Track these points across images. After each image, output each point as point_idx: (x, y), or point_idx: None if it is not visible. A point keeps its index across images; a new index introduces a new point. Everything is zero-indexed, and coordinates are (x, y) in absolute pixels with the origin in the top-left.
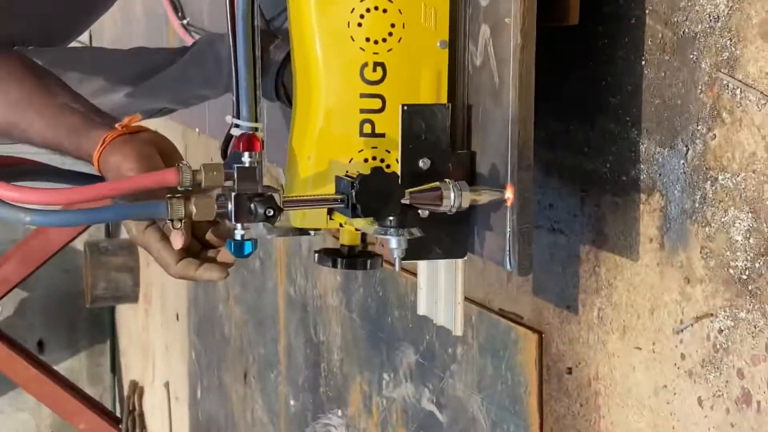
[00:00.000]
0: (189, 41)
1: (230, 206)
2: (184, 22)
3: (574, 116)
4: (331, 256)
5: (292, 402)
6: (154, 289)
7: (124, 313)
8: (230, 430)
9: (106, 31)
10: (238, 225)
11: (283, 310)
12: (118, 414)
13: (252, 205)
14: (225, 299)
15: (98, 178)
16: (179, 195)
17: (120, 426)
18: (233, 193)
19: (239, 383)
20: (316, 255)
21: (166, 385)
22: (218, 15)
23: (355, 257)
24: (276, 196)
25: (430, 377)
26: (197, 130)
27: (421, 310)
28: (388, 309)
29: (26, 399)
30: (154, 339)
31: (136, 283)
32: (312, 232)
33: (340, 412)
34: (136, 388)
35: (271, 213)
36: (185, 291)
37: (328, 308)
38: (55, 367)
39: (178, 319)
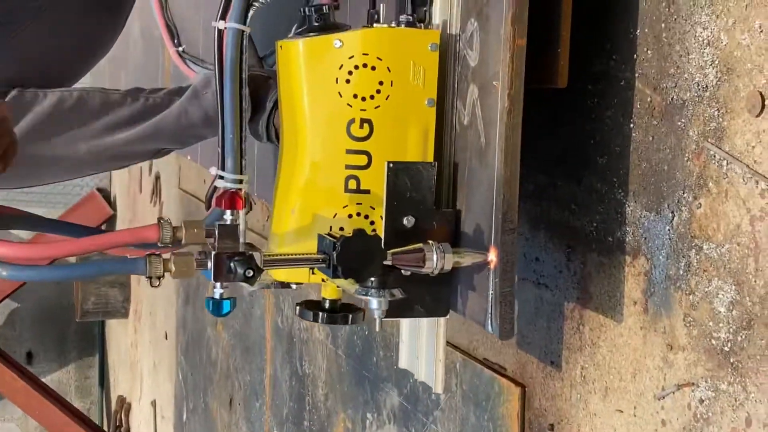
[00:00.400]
0: (183, 68)
1: (210, 265)
2: (180, 49)
3: (562, 172)
4: (312, 309)
5: None
6: (144, 307)
7: (114, 328)
8: None
9: None
10: (217, 284)
11: (269, 339)
12: (105, 428)
13: (231, 265)
14: (213, 322)
15: (79, 228)
16: (158, 252)
17: None
18: (213, 252)
19: (225, 409)
20: (298, 308)
21: (153, 403)
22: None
23: (336, 311)
24: (256, 255)
25: (413, 421)
26: (188, 157)
27: (403, 363)
28: (374, 348)
29: (13, 409)
30: (143, 356)
31: (127, 298)
32: (294, 286)
33: None
34: (124, 404)
35: (251, 274)
36: (174, 310)
37: (315, 342)
38: (44, 379)
39: (166, 338)
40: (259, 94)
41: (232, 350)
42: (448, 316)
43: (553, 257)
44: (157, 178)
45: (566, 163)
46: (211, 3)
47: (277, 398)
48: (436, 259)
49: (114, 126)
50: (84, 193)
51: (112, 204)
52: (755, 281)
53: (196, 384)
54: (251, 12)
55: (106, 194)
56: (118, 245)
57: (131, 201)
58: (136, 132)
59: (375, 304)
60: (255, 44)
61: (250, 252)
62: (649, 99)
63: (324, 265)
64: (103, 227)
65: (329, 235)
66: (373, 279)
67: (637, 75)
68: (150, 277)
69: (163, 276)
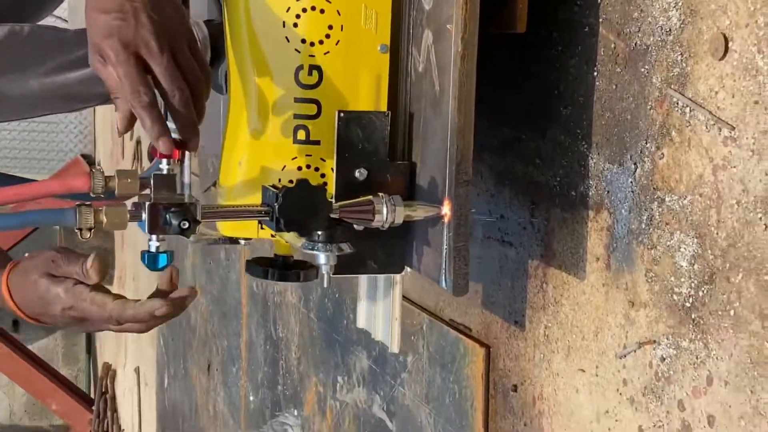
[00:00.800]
0: None
1: (144, 216)
2: None
3: (526, 125)
4: (262, 266)
5: (251, 397)
6: (127, 273)
7: None
8: (193, 421)
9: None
10: (153, 236)
11: (245, 304)
12: (92, 395)
13: (167, 216)
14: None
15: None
16: (89, 203)
17: (92, 407)
18: (147, 203)
19: (203, 374)
20: (247, 264)
21: (137, 370)
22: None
23: (288, 268)
24: (196, 206)
25: (381, 384)
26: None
27: (361, 323)
28: (344, 311)
29: (0, 376)
30: None
31: (111, 265)
32: (242, 242)
33: (296, 412)
34: (109, 371)
35: (186, 225)
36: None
37: (288, 305)
38: (31, 347)
39: None
40: (217, 43)
41: (210, 315)
42: (403, 273)
43: (517, 214)
44: (138, 143)
45: (531, 116)
46: None
47: (252, 363)
48: (386, 212)
49: (68, 64)
50: (68, 158)
51: None
52: (717, 233)
53: (176, 350)
54: None
55: (90, 160)
56: (45, 195)
57: (114, 166)
58: (90, 71)
59: (322, 259)
60: None
61: (188, 202)
62: (612, 45)
63: (267, 218)
64: None
65: (273, 186)
66: (320, 233)
67: (600, 20)
68: (80, 229)
69: (94, 227)
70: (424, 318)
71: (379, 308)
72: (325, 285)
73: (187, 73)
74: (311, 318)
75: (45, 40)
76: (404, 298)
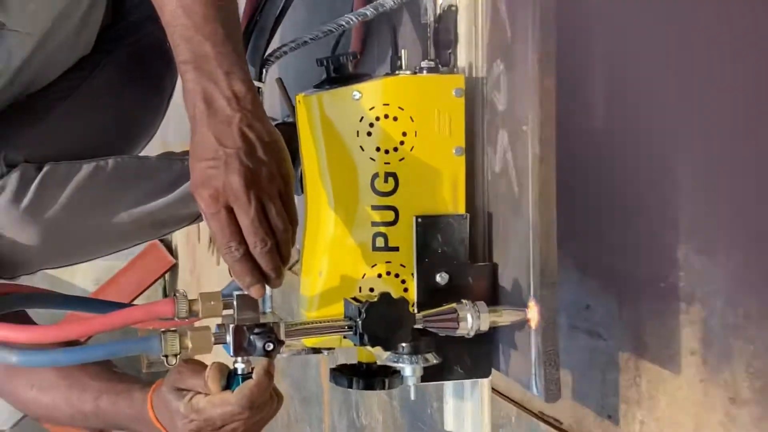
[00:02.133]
0: None
1: (228, 338)
2: None
3: (609, 212)
4: (347, 375)
5: None
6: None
7: None
8: None
9: None
10: (238, 358)
11: (326, 389)
12: None
13: (251, 338)
14: None
15: (92, 301)
16: (173, 329)
17: None
18: (231, 325)
19: None
20: (332, 373)
21: None
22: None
23: (372, 375)
24: (279, 325)
25: None
26: None
27: (449, 425)
28: (428, 399)
29: None
30: None
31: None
32: (326, 352)
33: None
34: None
35: (271, 347)
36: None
37: (370, 392)
38: None
39: None
40: (291, 145)
41: (291, 400)
42: (490, 377)
43: (604, 303)
44: None
45: (614, 203)
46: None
47: None
48: (471, 320)
49: (154, 191)
50: (145, 243)
51: (173, 253)
52: None
53: None
54: (266, 69)
55: (167, 243)
56: (131, 324)
57: (191, 250)
58: (177, 194)
59: (408, 371)
60: (289, 94)
61: (272, 323)
62: None
63: (351, 332)
64: (166, 276)
65: (354, 299)
66: (404, 345)
67: None
68: (166, 356)
69: (180, 353)
70: (512, 410)
71: (467, 411)
72: (412, 397)
73: (273, 224)
74: (394, 406)
75: (129, 171)
76: (491, 388)
